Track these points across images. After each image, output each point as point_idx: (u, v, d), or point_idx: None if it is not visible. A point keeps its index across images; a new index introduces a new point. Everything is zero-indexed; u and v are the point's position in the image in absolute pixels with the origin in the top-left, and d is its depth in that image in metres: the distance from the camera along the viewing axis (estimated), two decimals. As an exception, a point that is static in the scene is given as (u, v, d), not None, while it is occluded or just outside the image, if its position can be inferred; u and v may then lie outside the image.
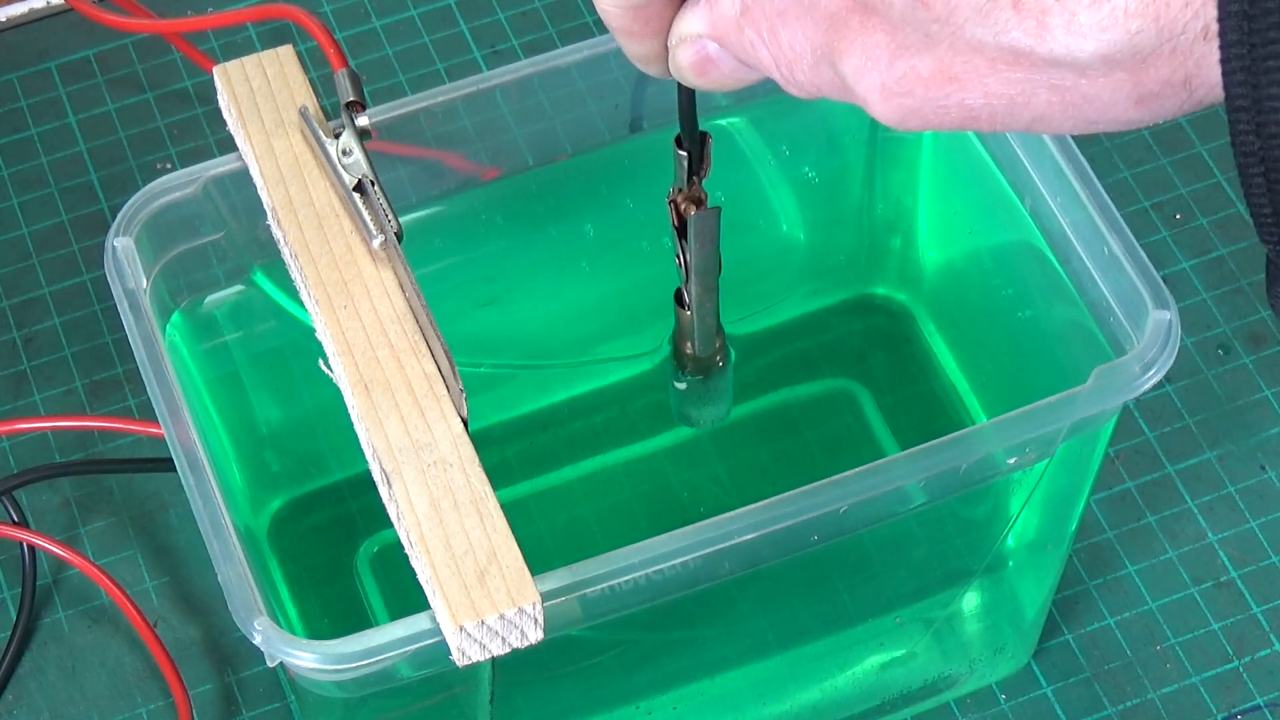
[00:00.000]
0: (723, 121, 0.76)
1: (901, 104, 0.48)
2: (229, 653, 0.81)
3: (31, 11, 0.97)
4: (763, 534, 0.62)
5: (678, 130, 0.63)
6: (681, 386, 0.72)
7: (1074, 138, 0.69)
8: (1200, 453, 0.85)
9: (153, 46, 0.96)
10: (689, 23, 0.53)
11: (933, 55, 0.47)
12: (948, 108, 0.47)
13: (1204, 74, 0.45)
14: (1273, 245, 0.46)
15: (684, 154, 0.63)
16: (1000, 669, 0.80)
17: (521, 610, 0.59)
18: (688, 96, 0.62)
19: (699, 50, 0.53)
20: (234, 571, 0.61)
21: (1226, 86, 0.44)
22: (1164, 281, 0.66)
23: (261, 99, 0.69)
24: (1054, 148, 0.69)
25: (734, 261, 0.69)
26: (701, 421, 0.74)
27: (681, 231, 0.65)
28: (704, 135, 0.63)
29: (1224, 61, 0.44)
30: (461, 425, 0.62)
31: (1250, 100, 0.44)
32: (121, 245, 0.68)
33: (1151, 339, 0.65)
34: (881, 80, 0.48)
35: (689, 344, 0.69)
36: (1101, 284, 0.68)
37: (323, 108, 0.68)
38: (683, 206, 0.64)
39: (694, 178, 0.64)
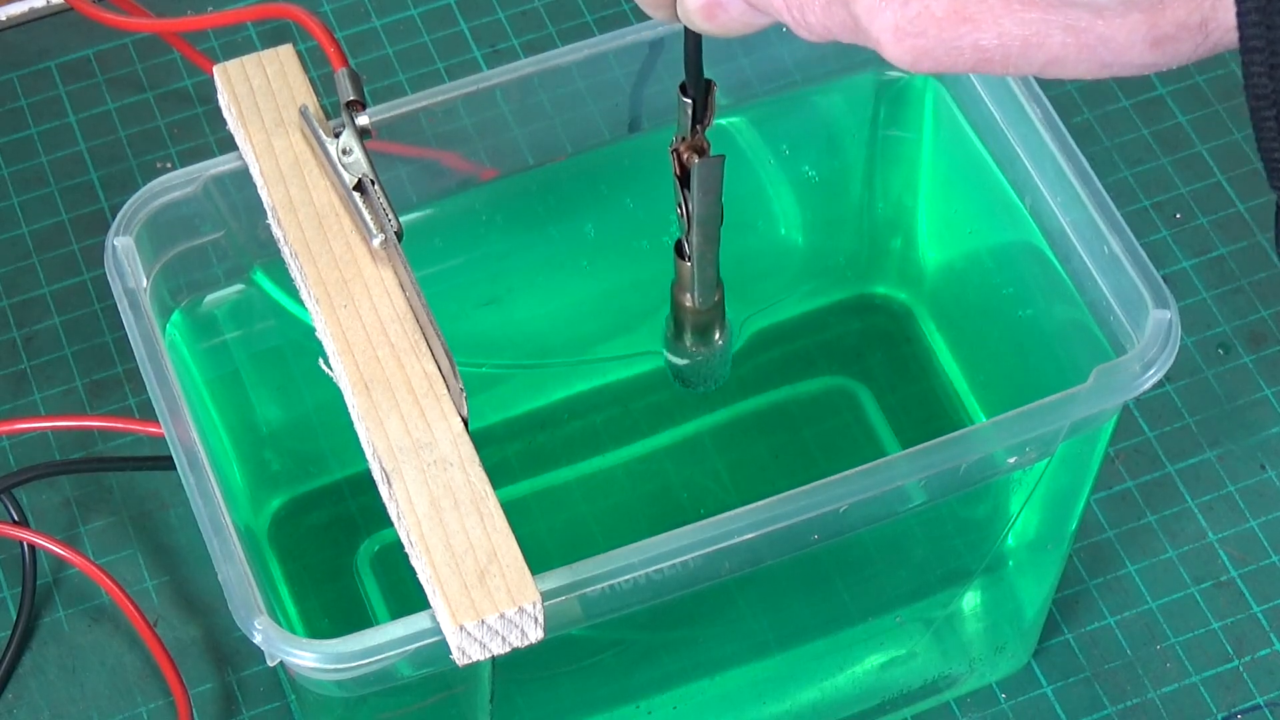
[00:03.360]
0: (723, 121, 0.76)
1: (915, 45, 0.47)
2: (229, 652, 0.81)
3: (31, 11, 0.97)
4: (763, 534, 0.62)
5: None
6: (681, 362, 0.71)
7: (1074, 136, 0.69)
8: (1200, 452, 0.85)
9: (153, 46, 0.95)
10: None
11: None
12: (961, 49, 0.47)
13: (1220, 16, 0.45)
14: None
15: (688, 101, 0.63)
16: (1000, 668, 0.80)
17: (522, 609, 0.59)
18: (694, 43, 0.61)
19: None
20: (234, 571, 0.61)
21: (1241, 28, 0.44)
22: (1164, 281, 0.66)
23: (261, 98, 0.68)
24: (1054, 147, 0.69)
25: (734, 261, 0.69)
26: (698, 380, 0.73)
27: (684, 180, 0.64)
28: (709, 83, 0.62)
29: (1239, 2, 0.44)
30: (461, 424, 0.62)
31: (1265, 42, 0.44)
32: (121, 244, 0.68)
33: (1151, 338, 0.65)
34: (895, 20, 0.47)
35: (688, 296, 0.69)
36: (1101, 283, 0.68)
37: (323, 107, 0.68)
38: (685, 155, 0.64)
39: (697, 126, 0.63)
